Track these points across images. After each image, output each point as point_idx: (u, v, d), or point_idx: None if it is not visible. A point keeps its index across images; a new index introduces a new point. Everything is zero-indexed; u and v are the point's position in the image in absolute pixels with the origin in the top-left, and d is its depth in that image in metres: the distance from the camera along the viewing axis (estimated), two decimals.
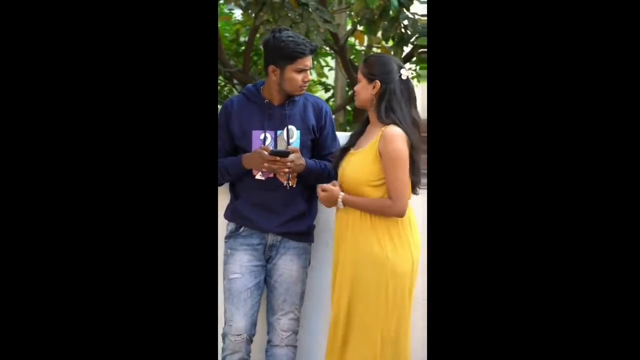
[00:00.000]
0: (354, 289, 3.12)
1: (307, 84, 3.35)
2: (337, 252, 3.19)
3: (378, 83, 3.15)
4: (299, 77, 3.29)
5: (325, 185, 3.19)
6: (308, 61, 3.30)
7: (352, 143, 3.24)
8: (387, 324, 3.09)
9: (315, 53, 3.38)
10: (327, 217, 3.47)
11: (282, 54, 3.27)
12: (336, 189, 3.16)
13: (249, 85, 3.48)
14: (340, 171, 3.22)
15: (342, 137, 3.45)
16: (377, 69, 3.17)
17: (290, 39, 3.27)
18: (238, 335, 3.30)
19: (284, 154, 3.24)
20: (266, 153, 3.24)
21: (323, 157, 3.40)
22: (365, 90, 3.19)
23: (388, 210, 3.09)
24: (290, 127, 3.35)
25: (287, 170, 3.27)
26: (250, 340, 3.33)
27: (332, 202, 3.17)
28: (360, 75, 3.21)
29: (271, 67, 3.30)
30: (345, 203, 3.14)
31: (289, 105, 3.35)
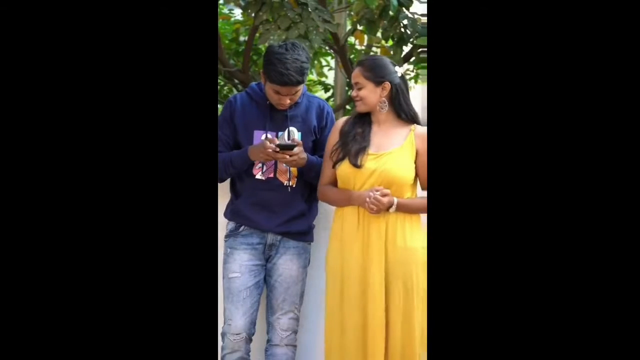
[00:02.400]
0: (394, 286, 3.14)
1: (284, 106, 3.31)
2: (360, 254, 3.17)
3: (388, 84, 3.18)
4: (275, 96, 3.29)
5: (384, 190, 3.14)
6: (283, 90, 3.26)
7: (367, 144, 3.23)
8: (423, 314, 3.14)
9: (298, 84, 3.27)
10: (327, 217, 3.48)
11: (266, 68, 3.27)
12: (389, 198, 3.14)
13: (253, 84, 3.47)
14: (361, 171, 3.18)
15: None
16: (382, 70, 3.20)
17: (280, 61, 3.22)
18: (237, 334, 3.30)
19: (290, 147, 3.23)
20: (269, 144, 3.22)
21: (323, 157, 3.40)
22: (373, 95, 3.21)
23: None
24: (291, 128, 3.35)
25: (291, 160, 3.26)
26: (249, 339, 3.33)
27: (386, 207, 3.15)
28: (362, 80, 3.20)
29: (262, 72, 3.31)
30: (399, 208, 3.15)
31: (291, 106, 3.35)
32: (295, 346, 3.39)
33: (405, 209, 3.17)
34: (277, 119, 3.36)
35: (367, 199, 3.12)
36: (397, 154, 3.19)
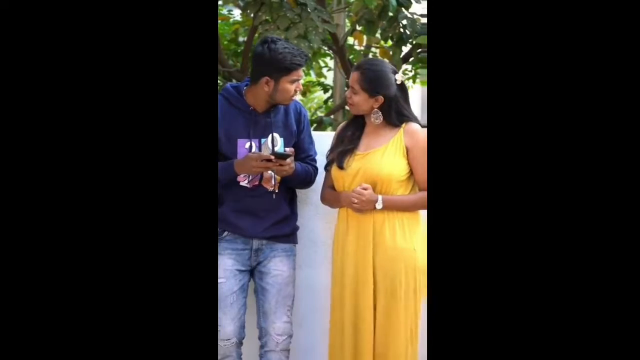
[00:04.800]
0: (381, 286, 3.17)
1: (295, 94, 3.32)
2: (354, 253, 3.22)
3: (381, 98, 3.20)
4: (292, 87, 3.27)
5: (365, 185, 3.18)
6: (300, 72, 3.28)
7: (355, 145, 3.26)
8: (415, 318, 3.17)
9: (306, 62, 3.38)
10: (324, 218, 3.48)
11: (279, 66, 3.24)
12: (371, 192, 3.17)
13: (228, 86, 3.41)
14: (347, 172, 3.23)
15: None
16: (380, 84, 3.22)
17: (287, 50, 3.23)
18: (227, 339, 3.29)
19: (285, 156, 3.23)
20: (258, 156, 3.21)
21: (302, 159, 3.39)
22: (365, 103, 3.25)
23: None
24: (274, 134, 3.34)
25: (283, 169, 3.25)
26: (240, 344, 3.32)
27: (370, 205, 3.17)
28: (357, 87, 3.23)
29: (265, 79, 3.26)
30: (385, 204, 3.17)
31: (272, 112, 3.34)
32: (288, 351, 3.36)
33: (394, 206, 3.19)
34: (260, 126, 3.33)
35: (351, 199, 3.19)
36: (382, 152, 3.23)
